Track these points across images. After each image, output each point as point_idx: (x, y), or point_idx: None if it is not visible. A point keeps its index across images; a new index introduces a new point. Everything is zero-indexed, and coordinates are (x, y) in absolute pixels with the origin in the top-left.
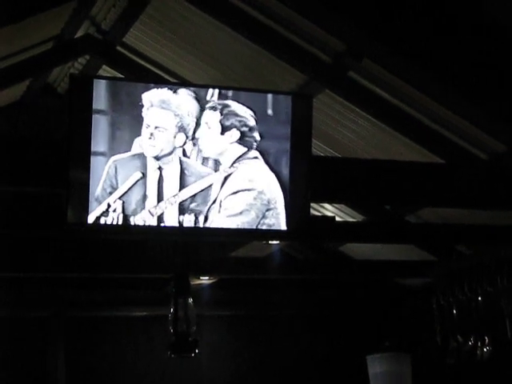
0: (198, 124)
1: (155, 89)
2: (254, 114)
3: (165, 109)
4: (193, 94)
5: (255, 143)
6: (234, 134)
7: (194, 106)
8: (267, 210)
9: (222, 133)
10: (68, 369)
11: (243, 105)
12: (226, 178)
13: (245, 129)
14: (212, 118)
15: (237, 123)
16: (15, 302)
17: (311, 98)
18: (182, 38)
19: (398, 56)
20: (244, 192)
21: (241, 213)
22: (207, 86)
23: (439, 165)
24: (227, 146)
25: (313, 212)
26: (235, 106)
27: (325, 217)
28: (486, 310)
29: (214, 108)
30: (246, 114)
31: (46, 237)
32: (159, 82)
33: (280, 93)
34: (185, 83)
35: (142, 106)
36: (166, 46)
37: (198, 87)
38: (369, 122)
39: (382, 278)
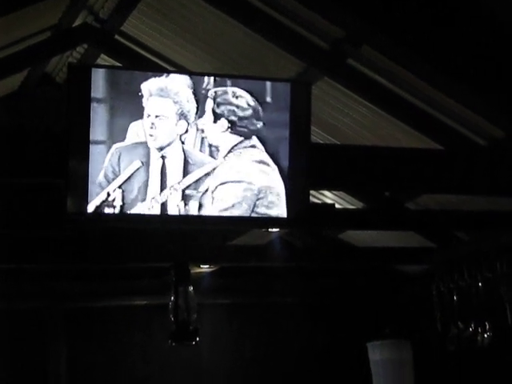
0: (198, 111)
1: (153, 78)
2: (257, 100)
3: (163, 97)
4: (190, 81)
5: (254, 131)
6: (224, 123)
7: (192, 93)
8: (257, 199)
9: (215, 121)
10: (69, 359)
11: (245, 90)
12: (214, 168)
13: (240, 116)
14: (208, 106)
15: (229, 112)
16: (14, 294)
17: (310, 85)
18: (180, 26)
19: (400, 46)
20: (233, 183)
21: (233, 206)
22: (205, 74)
23: (438, 151)
24: (220, 134)
25: (312, 199)
26: (233, 93)
27: (325, 204)
28: (486, 296)
29: (210, 96)
30: (242, 102)
31: (44, 228)
32: (157, 70)
33: (279, 80)
34: (183, 70)
35: (142, 96)
36: (164, 35)
37: (196, 75)
38: (368, 109)
39: (381, 264)
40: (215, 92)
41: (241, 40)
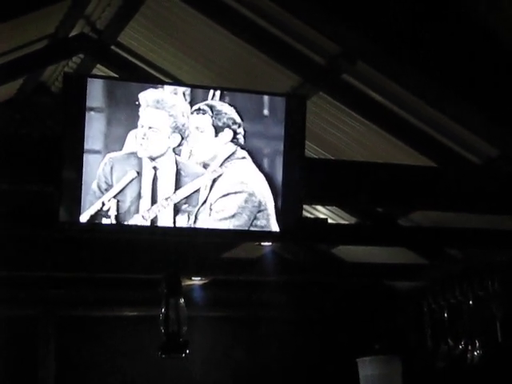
0: (188, 128)
1: (151, 88)
2: (237, 111)
3: (159, 109)
4: (188, 95)
5: (243, 141)
6: (228, 134)
7: (187, 107)
8: (258, 211)
9: (216, 134)
10: (58, 367)
11: (227, 104)
12: (214, 181)
13: (235, 127)
14: (203, 122)
15: (229, 122)
16: (5, 301)
17: (305, 99)
18: (177, 39)
19: (392, 59)
20: (235, 194)
21: (233, 216)
22: (203, 87)
23: (432, 168)
24: (221, 147)
25: (305, 214)
26: (221, 106)
27: (317, 219)
28: (477, 314)
29: (202, 111)
30: (233, 112)
31: (37, 235)
32: (153, 82)
33: (274, 94)
34: (179, 83)
35: (139, 105)
36: (161, 46)
37: (193, 87)
38: (362, 125)
39: (373, 280)
40: (207, 106)
41: (237, 53)
